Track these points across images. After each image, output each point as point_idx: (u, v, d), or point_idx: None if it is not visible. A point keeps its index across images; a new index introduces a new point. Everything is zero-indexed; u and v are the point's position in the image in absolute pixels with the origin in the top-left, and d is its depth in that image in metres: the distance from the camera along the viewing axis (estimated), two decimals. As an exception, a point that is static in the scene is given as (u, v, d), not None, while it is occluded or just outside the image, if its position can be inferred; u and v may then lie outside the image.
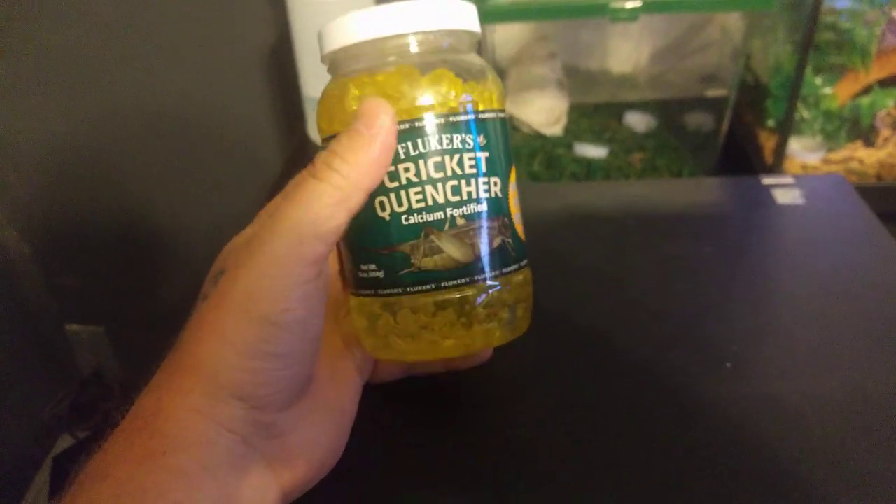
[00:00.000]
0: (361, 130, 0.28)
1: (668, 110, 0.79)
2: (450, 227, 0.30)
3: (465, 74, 0.31)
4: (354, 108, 0.30)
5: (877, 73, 0.65)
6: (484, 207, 0.30)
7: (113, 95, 0.99)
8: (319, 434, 0.31)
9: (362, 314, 0.32)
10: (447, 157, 0.30)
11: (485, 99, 0.31)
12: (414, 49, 0.31)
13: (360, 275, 0.32)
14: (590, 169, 0.73)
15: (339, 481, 0.33)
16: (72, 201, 1.11)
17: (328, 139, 0.31)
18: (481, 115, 0.31)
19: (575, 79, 0.80)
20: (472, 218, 0.30)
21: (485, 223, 0.31)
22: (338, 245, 0.33)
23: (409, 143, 0.29)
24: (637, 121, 0.77)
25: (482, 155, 0.30)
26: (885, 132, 0.67)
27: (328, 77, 0.33)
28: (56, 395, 1.14)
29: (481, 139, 0.30)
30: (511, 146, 0.33)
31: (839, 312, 0.43)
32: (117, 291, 1.21)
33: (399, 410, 0.38)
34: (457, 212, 0.30)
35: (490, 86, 0.32)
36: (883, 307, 0.43)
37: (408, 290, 0.30)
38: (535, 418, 0.38)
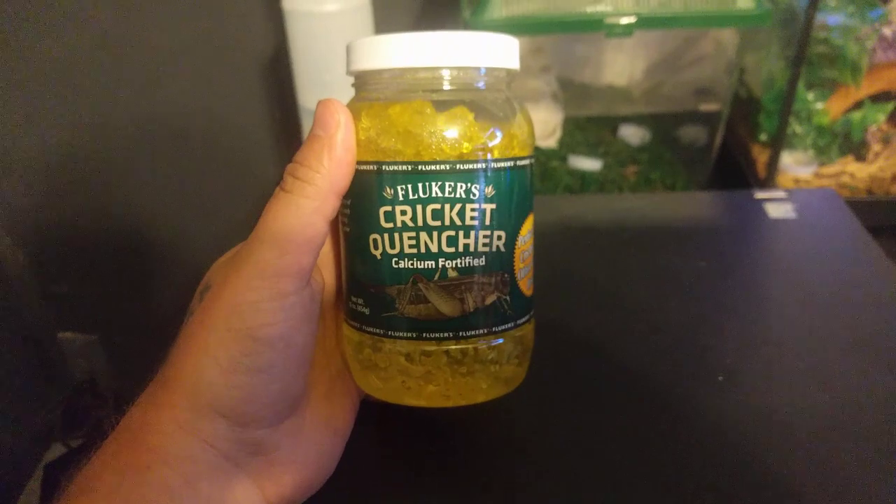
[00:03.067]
0: (319, 134, 0.28)
1: (662, 124, 0.79)
2: (440, 277, 0.29)
3: (489, 116, 0.29)
4: (362, 138, 0.29)
5: (868, 88, 0.66)
6: (481, 262, 0.29)
7: (109, 105, 1.00)
8: (309, 451, 0.30)
9: (350, 343, 0.32)
10: (447, 206, 0.28)
11: (503, 146, 0.29)
12: (436, 84, 0.29)
13: (350, 305, 0.31)
14: (584, 182, 0.73)
15: (333, 486, 0.33)
16: (66, 209, 1.11)
17: None
18: (494, 165, 0.29)
19: (569, 92, 0.80)
20: (465, 272, 0.29)
21: (479, 279, 0.29)
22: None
23: (409, 186, 0.28)
24: (631, 134, 0.78)
25: (488, 207, 0.29)
26: (875, 147, 0.68)
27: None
28: (49, 402, 1.14)
29: (489, 190, 0.28)
30: (532, 195, 0.31)
31: (831, 325, 0.44)
32: (111, 299, 1.21)
33: (394, 419, 0.38)
34: (449, 263, 0.29)
35: (515, 130, 0.29)
36: (874, 320, 0.44)
37: (389, 333, 0.30)
38: (529, 429, 0.38)
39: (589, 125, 0.81)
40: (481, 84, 0.30)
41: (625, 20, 0.58)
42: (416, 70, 0.29)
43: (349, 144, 0.28)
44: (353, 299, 0.31)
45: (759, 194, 0.57)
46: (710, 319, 0.45)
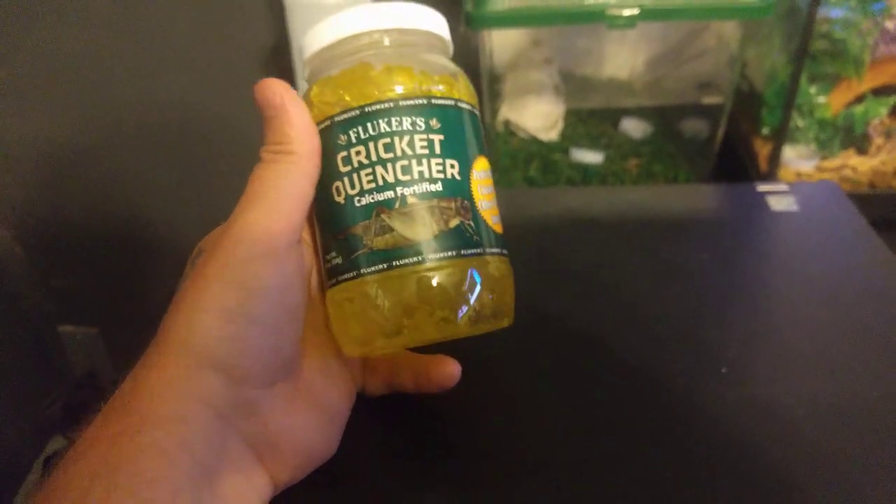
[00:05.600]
0: (270, 114, 0.30)
1: (665, 117, 0.79)
2: (400, 205, 0.30)
3: (429, 71, 0.32)
4: (315, 102, 0.31)
5: (870, 82, 0.66)
6: (438, 187, 0.30)
7: (108, 98, 0.99)
8: (306, 423, 0.31)
9: (332, 306, 0.32)
10: (396, 139, 0.30)
11: (443, 91, 0.32)
12: (374, 49, 0.32)
13: (326, 266, 0.32)
14: (586, 174, 0.73)
15: (334, 484, 0.33)
16: (66, 203, 1.11)
17: None
18: (435, 101, 0.31)
19: (571, 84, 0.80)
20: (423, 197, 0.30)
21: (438, 203, 0.30)
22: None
23: (360, 128, 0.30)
24: (633, 127, 0.78)
25: (435, 137, 0.31)
26: (877, 140, 0.67)
27: None
28: (49, 395, 1.14)
29: (434, 122, 0.31)
30: (483, 141, 0.34)
31: (833, 318, 0.43)
32: (111, 293, 1.20)
33: (394, 414, 0.38)
34: (407, 190, 0.30)
35: (453, 81, 0.32)
36: (876, 313, 0.44)
37: (361, 271, 0.30)
38: (531, 421, 0.38)
39: (591, 118, 0.80)
40: (414, 46, 0.33)
41: (627, 12, 0.58)
42: (349, 39, 0.32)
43: (300, 107, 0.30)
44: (328, 257, 0.32)
45: (762, 187, 0.57)
46: (712, 312, 0.45)
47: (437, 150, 0.31)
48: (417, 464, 0.36)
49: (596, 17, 0.59)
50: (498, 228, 0.33)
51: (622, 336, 0.43)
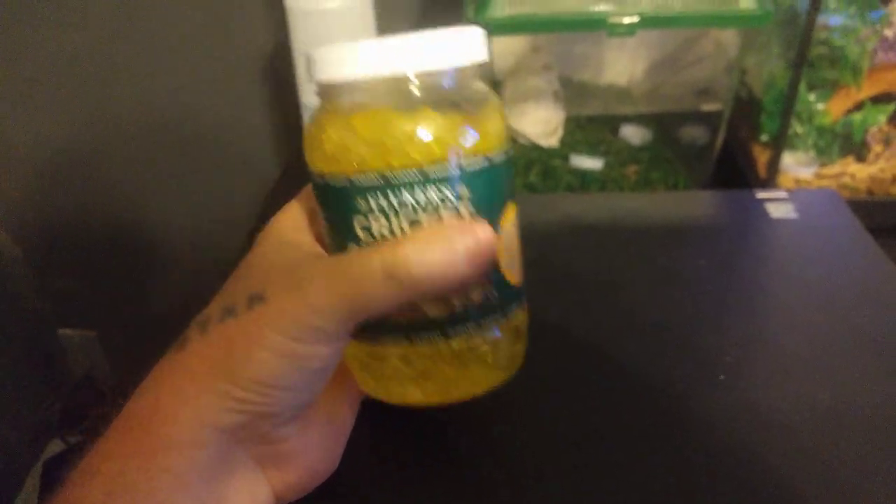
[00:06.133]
0: (457, 247, 0.26)
1: (663, 123, 0.79)
2: None
3: (458, 115, 0.28)
4: (328, 149, 0.28)
5: (869, 89, 0.66)
6: None
7: (109, 101, 1.00)
8: (314, 442, 0.31)
9: (350, 355, 0.32)
10: (422, 212, 0.27)
11: (475, 145, 0.28)
12: (400, 89, 0.28)
13: None
14: (585, 181, 0.73)
15: (333, 485, 0.33)
16: (65, 205, 1.11)
17: (314, 175, 0.30)
18: (467, 166, 0.28)
19: (570, 91, 0.80)
20: None
21: None
22: None
23: (382, 197, 0.27)
24: (632, 133, 0.78)
25: (464, 208, 0.28)
26: (876, 148, 0.68)
27: None
28: (47, 399, 1.13)
29: (464, 191, 0.28)
30: (512, 182, 0.31)
31: (831, 324, 0.44)
32: (110, 296, 1.20)
33: (391, 420, 0.38)
34: None
35: (487, 125, 0.29)
36: (874, 320, 0.44)
37: (379, 339, 0.30)
38: (529, 426, 0.38)
39: (590, 124, 0.81)
40: (448, 83, 0.28)
41: (627, 19, 0.58)
42: (377, 79, 0.27)
43: (463, 275, 0.26)
44: None
45: (761, 194, 0.57)
46: (710, 318, 0.45)
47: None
48: (415, 470, 0.36)
49: (596, 25, 0.59)
50: (518, 280, 0.31)
51: (620, 342, 0.43)
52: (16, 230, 1.12)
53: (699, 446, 0.36)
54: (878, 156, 0.68)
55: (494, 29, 0.61)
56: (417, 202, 0.27)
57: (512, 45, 0.80)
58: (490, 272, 0.29)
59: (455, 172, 0.27)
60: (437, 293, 0.27)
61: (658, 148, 0.77)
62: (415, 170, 0.27)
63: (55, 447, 1.14)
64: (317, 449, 0.31)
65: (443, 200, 0.27)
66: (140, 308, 1.20)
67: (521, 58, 0.79)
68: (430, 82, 0.28)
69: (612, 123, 0.80)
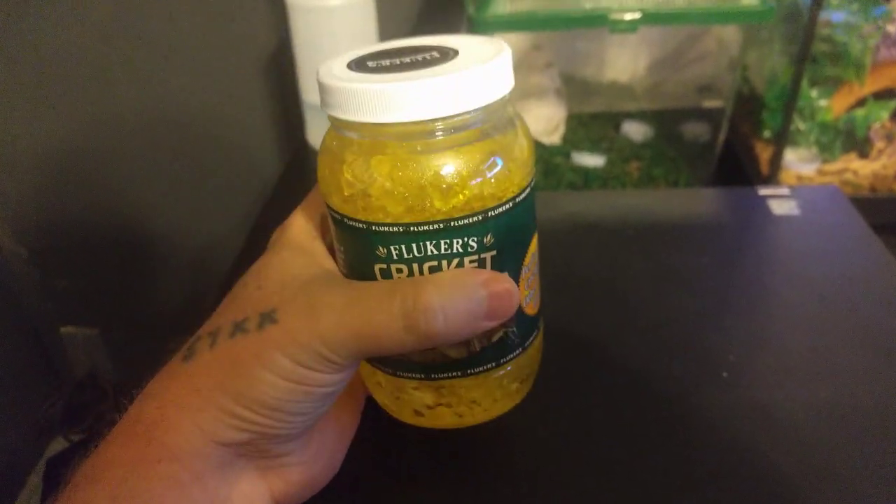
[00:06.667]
0: (479, 300, 0.25)
1: (665, 120, 0.79)
2: None
3: (483, 153, 0.26)
4: (346, 193, 0.26)
5: (871, 85, 0.66)
6: None
7: (111, 100, 1.00)
8: (317, 452, 0.31)
9: (363, 367, 0.32)
10: (444, 262, 0.26)
11: (499, 189, 0.26)
12: (424, 140, 0.26)
13: None
14: (587, 178, 0.73)
15: (335, 487, 0.33)
16: (68, 204, 1.11)
17: (331, 208, 0.28)
18: (491, 213, 0.26)
19: (572, 88, 0.80)
20: None
21: None
22: None
23: (403, 247, 0.26)
24: (634, 130, 0.78)
25: (488, 255, 0.27)
26: (879, 144, 0.68)
27: None
28: (50, 397, 1.14)
29: (488, 239, 0.26)
30: (535, 215, 0.29)
31: (834, 322, 0.44)
32: (112, 294, 1.21)
33: (388, 420, 0.38)
34: None
35: (512, 159, 0.26)
36: (877, 317, 0.44)
37: (398, 373, 0.30)
38: (532, 424, 0.38)
39: (592, 121, 0.81)
40: (479, 120, 0.26)
41: (629, 16, 0.58)
42: (405, 123, 0.25)
43: (483, 327, 0.26)
44: None
45: (763, 191, 0.57)
46: (713, 316, 0.45)
47: (488, 267, 0.27)
48: (415, 470, 0.36)
49: (598, 22, 0.59)
50: (536, 310, 0.31)
51: (623, 340, 0.43)
52: (19, 230, 1.12)
53: (702, 444, 0.36)
54: (880, 152, 0.68)
55: (496, 26, 0.61)
56: (441, 253, 0.26)
57: (513, 43, 0.80)
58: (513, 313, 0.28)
59: (478, 221, 0.26)
60: (456, 341, 0.27)
61: (660, 145, 0.77)
62: (437, 221, 0.25)
63: (58, 445, 1.14)
64: (318, 457, 0.31)
65: (467, 251, 0.26)
66: (142, 306, 1.20)
67: (522, 55, 0.79)
68: (460, 122, 0.26)
69: (614, 120, 0.80)
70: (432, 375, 0.29)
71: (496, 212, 0.26)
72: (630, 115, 0.80)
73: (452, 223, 0.26)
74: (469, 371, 0.29)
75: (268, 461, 0.29)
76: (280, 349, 0.26)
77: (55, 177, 1.08)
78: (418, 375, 0.29)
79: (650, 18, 0.58)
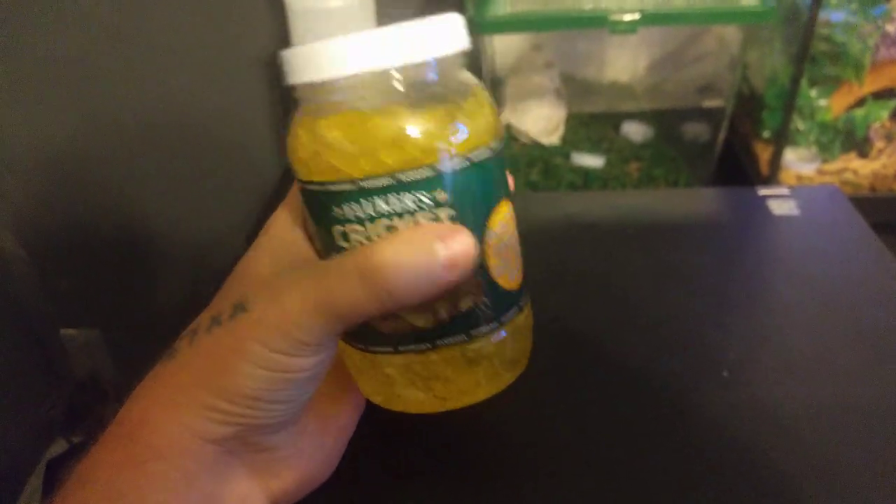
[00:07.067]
0: (434, 253, 0.25)
1: (665, 120, 0.79)
2: None
3: (434, 111, 0.26)
4: (300, 155, 0.27)
5: (870, 85, 0.66)
6: None
7: (111, 102, 0.99)
8: (312, 447, 0.30)
9: (343, 351, 0.32)
10: (398, 220, 0.26)
11: (455, 149, 0.26)
12: (373, 87, 0.26)
13: None
14: (587, 178, 0.73)
15: (333, 484, 0.33)
16: (68, 205, 1.11)
17: (297, 180, 0.28)
18: (445, 168, 0.26)
19: (572, 88, 0.80)
20: None
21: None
22: None
23: (356, 205, 0.26)
24: (634, 131, 0.78)
25: (444, 213, 0.26)
26: (878, 144, 0.68)
27: None
28: (51, 398, 1.14)
29: (440, 195, 0.26)
30: (505, 180, 0.28)
31: (834, 321, 0.44)
32: (113, 295, 1.20)
33: (387, 418, 0.38)
34: None
35: (468, 121, 0.26)
36: (877, 316, 0.44)
37: (369, 348, 0.29)
38: (531, 423, 0.38)
39: (592, 122, 0.81)
40: (427, 76, 0.26)
41: (628, 17, 0.58)
42: (345, 78, 0.25)
43: (442, 287, 0.25)
44: None
45: (763, 191, 0.57)
46: (713, 315, 0.45)
47: None
48: (413, 470, 0.36)
49: (598, 23, 0.59)
50: (515, 284, 0.29)
51: (623, 339, 0.43)
52: (20, 231, 1.12)
53: (703, 442, 0.36)
54: (880, 152, 0.68)
55: (496, 27, 0.61)
56: (392, 209, 0.26)
57: (514, 43, 0.80)
58: (480, 281, 0.27)
59: (431, 175, 0.25)
60: (416, 299, 0.26)
61: (660, 145, 0.77)
62: (386, 175, 0.25)
63: (59, 446, 1.14)
64: (314, 453, 0.30)
65: (420, 206, 0.26)
66: (144, 307, 1.20)
67: (522, 55, 0.79)
68: (407, 76, 0.26)
69: (613, 121, 0.80)
70: (400, 348, 0.28)
71: (448, 168, 0.26)
72: (630, 116, 0.80)
73: (402, 177, 0.25)
74: (438, 342, 0.28)
75: (259, 457, 0.28)
76: (252, 337, 0.25)
77: (56, 178, 1.08)
78: (388, 349, 0.28)
79: (650, 19, 0.58)
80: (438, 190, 0.26)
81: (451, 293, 0.27)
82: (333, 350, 0.27)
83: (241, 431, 0.27)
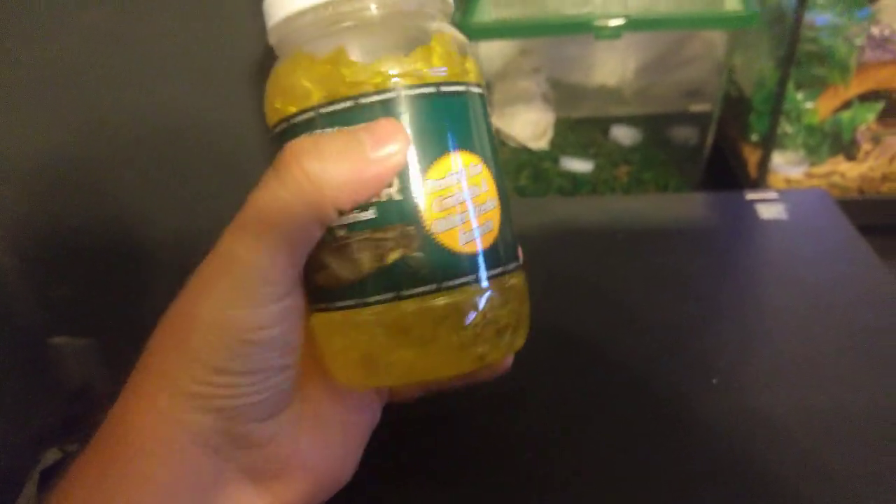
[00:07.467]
0: (361, 136, 0.24)
1: (654, 124, 0.80)
2: (331, 238, 0.25)
3: (399, 38, 0.26)
4: (276, 105, 0.27)
5: (857, 87, 0.66)
6: (370, 215, 0.25)
7: (102, 107, 0.99)
8: (317, 446, 0.29)
9: (314, 327, 0.30)
10: None
11: (382, 77, 0.25)
12: (310, 26, 0.27)
13: None
14: (576, 183, 0.73)
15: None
16: (60, 212, 1.10)
17: (272, 131, 0.28)
18: (402, 94, 0.25)
19: (560, 93, 0.80)
20: (354, 228, 0.25)
21: (371, 235, 0.25)
22: None
23: (319, 133, 0.26)
24: (622, 135, 0.78)
25: None
26: (865, 146, 0.68)
27: None
28: (44, 407, 1.13)
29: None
30: (468, 127, 0.27)
31: (823, 326, 0.44)
32: (106, 303, 1.20)
33: (392, 413, 0.38)
34: (336, 222, 0.25)
35: (427, 54, 0.26)
36: (865, 320, 0.44)
37: (312, 305, 0.27)
38: (523, 430, 0.38)
39: (580, 126, 0.81)
40: (368, 11, 0.26)
41: (613, 22, 0.58)
42: (288, 21, 0.27)
43: (382, 177, 0.25)
44: None
45: (751, 195, 0.57)
46: (702, 321, 0.45)
47: None
48: (410, 468, 0.36)
49: (583, 28, 0.59)
50: (468, 248, 0.26)
51: (612, 345, 0.43)
52: (11, 238, 1.12)
53: (693, 448, 0.36)
54: (867, 154, 0.68)
55: (481, 33, 0.61)
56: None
57: (500, 49, 0.80)
58: (413, 233, 0.25)
59: (387, 97, 0.25)
60: (344, 190, 0.24)
61: (649, 149, 0.77)
62: (346, 98, 0.25)
63: (53, 455, 1.14)
64: (317, 453, 0.29)
65: None
66: (137, 315, 1.19)
67: (509, 61, 0.79)
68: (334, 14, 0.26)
69: (602, 125, 0.80)
70: (335, 304, 0.26)
71: (407, 93, 0.25)
72: (618, 120, 0.80)
73: (360, 100, 0.25)
74: (366, 301, 0.26)
75: (254, 456, 0.27)
76: (202, 297, 0.25)
77: (48, 185, 1.08)
78: (322, 305, 0.27)
79: (634, 24, 0.59)
80: (398, 118, 0.25)
81: (377, 246, 0.25)
82: (286, 302, 0.25)
83: (221, 421, 0.25)
